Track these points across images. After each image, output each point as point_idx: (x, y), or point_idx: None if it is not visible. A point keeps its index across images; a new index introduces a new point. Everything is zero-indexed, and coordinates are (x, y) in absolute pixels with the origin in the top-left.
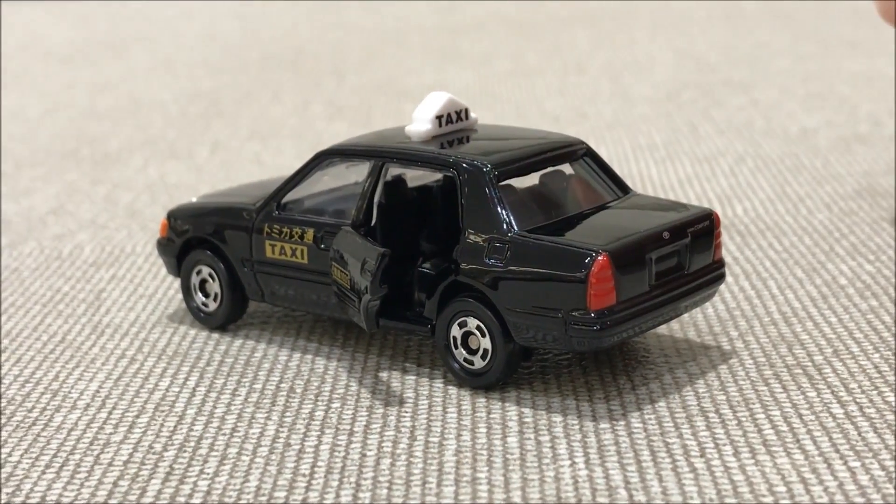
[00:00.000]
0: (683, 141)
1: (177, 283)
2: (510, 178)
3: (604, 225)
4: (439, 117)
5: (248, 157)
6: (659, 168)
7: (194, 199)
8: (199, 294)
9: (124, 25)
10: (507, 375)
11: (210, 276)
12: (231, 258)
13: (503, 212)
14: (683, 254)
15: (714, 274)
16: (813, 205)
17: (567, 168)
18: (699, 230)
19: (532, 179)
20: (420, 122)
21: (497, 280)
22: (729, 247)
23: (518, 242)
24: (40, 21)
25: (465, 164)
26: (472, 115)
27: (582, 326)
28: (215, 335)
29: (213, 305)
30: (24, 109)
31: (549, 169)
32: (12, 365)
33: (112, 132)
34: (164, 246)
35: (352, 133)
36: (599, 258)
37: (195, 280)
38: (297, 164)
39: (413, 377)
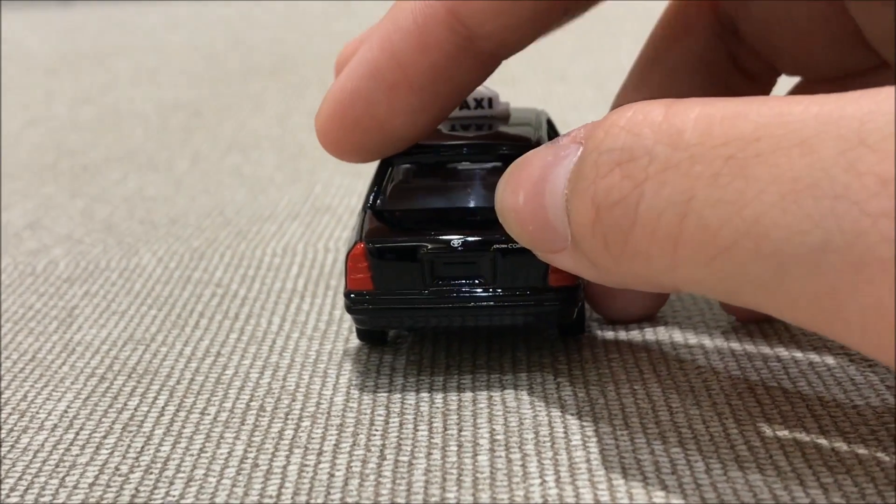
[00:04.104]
0: None
1: (150, 298)
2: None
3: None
4: None
5: (228, 169)
6: None
7: None
8: None
9: (107, 35)
10: None
11: None
12: None
13: None
14: (482, 265)
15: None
16: None
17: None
18: (515, 248)
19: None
20: None
21: None
22: None
23: None
24: (21, 31)
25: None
26: (502, 102)
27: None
28: (187, 352)
29: None
30: (3, 121)
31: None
32: None
33: (91, 144)
34: None
35: None
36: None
37: None
38: (278, 177)
39: (385, 394)
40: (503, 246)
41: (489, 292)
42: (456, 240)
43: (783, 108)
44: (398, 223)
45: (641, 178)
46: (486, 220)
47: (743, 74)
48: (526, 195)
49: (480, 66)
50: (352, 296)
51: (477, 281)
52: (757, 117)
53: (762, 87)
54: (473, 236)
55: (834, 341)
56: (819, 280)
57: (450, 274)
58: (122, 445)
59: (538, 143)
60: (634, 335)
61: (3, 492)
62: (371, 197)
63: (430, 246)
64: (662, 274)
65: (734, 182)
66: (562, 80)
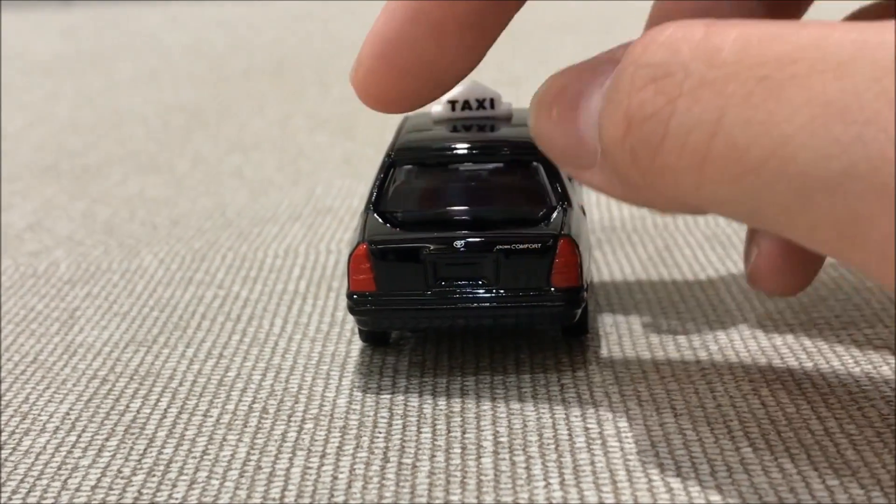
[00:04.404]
0: None
1: (152, 300)
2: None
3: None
4: (452, 102)
5: (228, 170)
6: None
7: None
8: None
9: (107, 37)
10: None
11: None
12: None
13: None
14: (485, 266)
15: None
16: None
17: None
18: (518, 249)
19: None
20: (437, 104)
21: None
22: (710, 257)
23: None
24: (22, 32)
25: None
26: (504, 102)
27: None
28: (189, 354)
29: None
30: (4, 123)
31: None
32: None
33: (92, 145)
34: None
35: (334, 146)
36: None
37: None
38: (279, 178)
39: (388, 396)
40: (506, 247)
41: (492, 293)
42: (459, 240)
43: (822, 31)
44: (401, 224)
45: (675, 95)
46: (488, 221)
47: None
48: (560, 110)
49: None
50: (354, 297)
51: (480, 282)
52: (796, 39)
53: (796, 13)
54: (476, 237)
55: (836, 341)
56: (841, 205)
57: (452, 275)
58: (124, 448)
59: None
60: (638, 337)
61: (5, 494)
62: (373, 198)
63: (432, 247)
64: (689, 192)
65: (766, 102)
66: None
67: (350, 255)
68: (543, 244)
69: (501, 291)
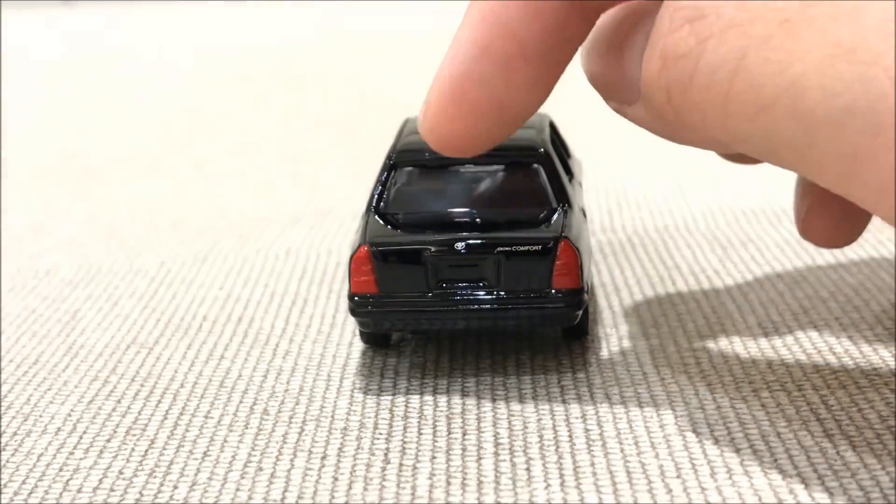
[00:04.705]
0: (667, 154)
1: (153, 302)
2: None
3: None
4: None
5: (229, 172)
6: (642, 181)
7: None
8: None
9: (109, 39)
10: None
11: None
12: None
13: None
14: (486, 267)
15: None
16: None
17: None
18: (519, 251)
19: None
20: None
21: None
22: (711, 260)
23: None
24: (24, 34)
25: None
26: None
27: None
28: (190, 355)
29: None
30: (6, 124)
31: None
32: None
33: (94, 147)
34: None
35: (337, 148)
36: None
37: None
38: (281, 180)
39: (388, 398)
40: (507, 248)
41: (493, 295)
42: (459, 242)
43: None
44: (402, 226)
45: (706, 35)
46: (489, 223)
47: None
48: (609, 47)
49: (587, 22)
50: (355, 298)
51: (480, 283)
52: None
53: None
54: (477, 239)
55: (836, 343)
56: (843, 142)
57: (453, 276)
58: (125, 449)
59: (542, 147)
60: (638, 339)
61: (7, 496)
62: (374, 199)
63: (433, 248)
64: (716, 128)
65: (784, 43)
66: (565, 83)
67: (351, 257)
68: (544, 246)
69: (502, 293)
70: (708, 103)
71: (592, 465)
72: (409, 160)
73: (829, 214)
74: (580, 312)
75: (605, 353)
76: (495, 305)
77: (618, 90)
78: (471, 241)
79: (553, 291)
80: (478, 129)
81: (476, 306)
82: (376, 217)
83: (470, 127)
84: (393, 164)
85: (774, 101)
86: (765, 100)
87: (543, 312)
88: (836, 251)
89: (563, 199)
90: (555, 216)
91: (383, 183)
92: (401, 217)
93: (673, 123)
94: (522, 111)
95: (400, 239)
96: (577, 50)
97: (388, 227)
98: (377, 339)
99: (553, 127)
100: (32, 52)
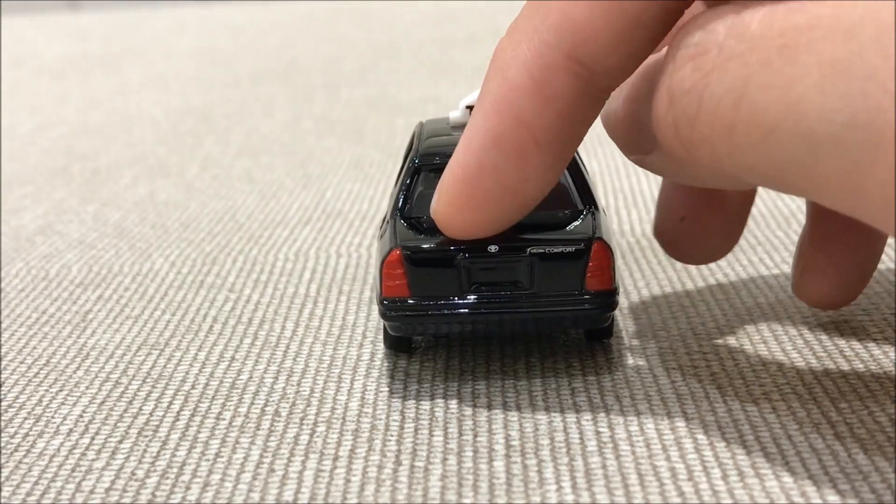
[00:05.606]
0: None
1: (163, 303)
2: None
3: None
4: (470, 107)
5: (238, 173)
6: (650, 182)
7: None
8: None
9: (116, 40)
10: None
11: None
12: None
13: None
14: (519, 270)
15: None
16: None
17: None
18: (552, 252)
19: None
20: (456, 110)
21: None
22: (720, 262)
23: None
24: (32, 36)
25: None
26: None
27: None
28: (201, 357)
29: None
30: (14, 126)
31: None
32: None
33: (102, 148)
34: None
35: (343, 150)
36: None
37: None
38: (289, 182)
39: (399, 400)
40: (540, 250)
41: (526, 297)
42: (492, 245)
43: (841, 1)
44: (427, 230)
45: (709, 69)
46: (520, 225)
47: None
48: (625, 98)
49: (597, 103)
50: (386, 302)
51: (513, 286)
52: (815, 10)
53: None
54: (510, 241)
55: (846, 345)
56: (845, 157)
57: (486, 279)
58: (137, 450)
59: None
60: (648, 340)
61: (20, 497)
62: (400, 203)
63: (466, 251)
64: (724, 161)
65: (784, 68)
66: None
67: (383, 261)
68: (577, 248)
69: (535, 295)
70: (715, 135)
71: (604, 467)
72: (433, 163)
73: (822, 277)
74: (613, 314)
75: (615, 355)
76: (529, 307)
77: (635, 141)
78: (503, 244)
79: (586, 293)
80: (490, 216)
81: (509, 308)
82: (402, 221)
83: (483, 214)
84: (417, 167)
85: (778, 124)
86: (769, 124)
87: (576, 314)
88: None
89: (590, 201)
90: (583, 217)
91: (408, 186)
92: (426, 220)
93: (684, 160)
94: (535, 195)
95: (432, 242)
96: (587, 130)
97: (418, 230)
98: (401, 345)
99: None
100: (39, 53)
